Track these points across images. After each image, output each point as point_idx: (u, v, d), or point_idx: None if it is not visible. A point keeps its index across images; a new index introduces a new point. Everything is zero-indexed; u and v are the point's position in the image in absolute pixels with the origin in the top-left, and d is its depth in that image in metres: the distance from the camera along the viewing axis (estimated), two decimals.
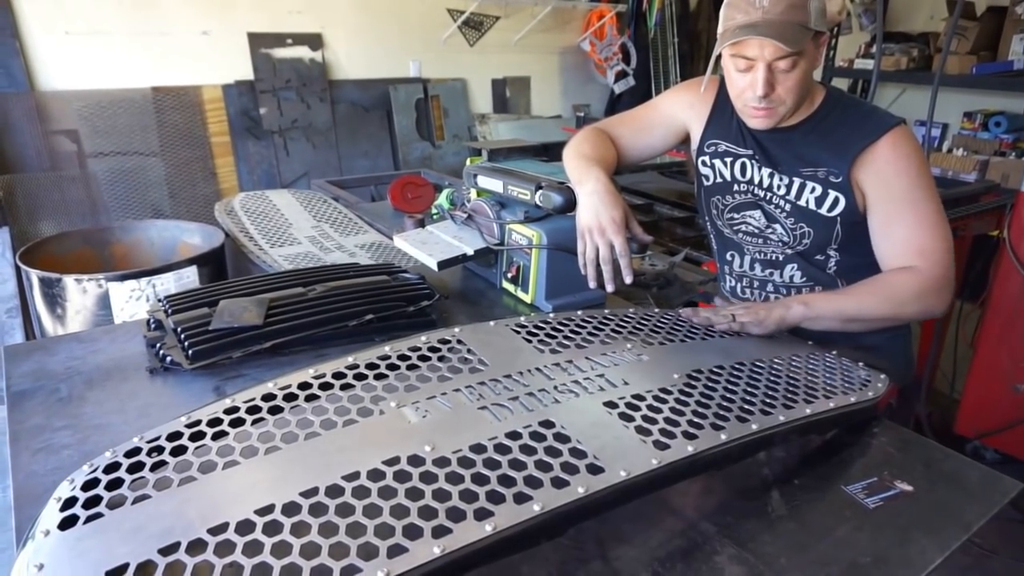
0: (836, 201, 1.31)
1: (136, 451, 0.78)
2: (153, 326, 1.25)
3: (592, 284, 1.27)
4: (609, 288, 1.24)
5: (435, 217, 2.42)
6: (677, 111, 1.46)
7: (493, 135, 4.96)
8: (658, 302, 1.77)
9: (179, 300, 1.28)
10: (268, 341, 1.16)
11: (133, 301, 1.92)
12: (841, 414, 0.95)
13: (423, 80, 4.60)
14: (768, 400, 0.93)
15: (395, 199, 2.56)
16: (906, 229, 1.26)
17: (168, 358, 1.13)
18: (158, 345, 1.17)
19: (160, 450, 0.78)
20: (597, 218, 1.22)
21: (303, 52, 4.00)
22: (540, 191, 1.36)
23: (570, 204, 1.33)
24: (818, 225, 1.34)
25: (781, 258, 1.40)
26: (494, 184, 1.50)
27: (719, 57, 1.26)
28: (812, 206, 1.33)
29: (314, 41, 4.04)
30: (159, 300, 1.31)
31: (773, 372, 1.03)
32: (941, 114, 4.51)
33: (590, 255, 1.24)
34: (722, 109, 1.40)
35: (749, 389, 0.96)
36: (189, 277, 2.00)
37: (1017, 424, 2.47)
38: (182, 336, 1.15)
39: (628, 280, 1.23)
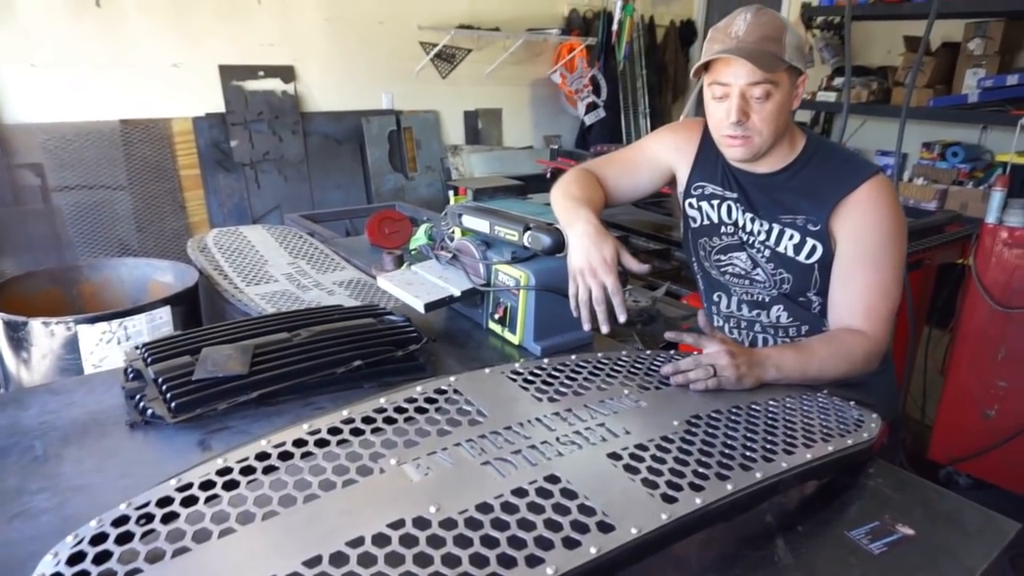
0: (814, 249, 1.33)
1: (124, 519, 0.74)
2: (131, 376, 1.21)
3: (587, 326, 1.26)
4: (604, 329, 1.24)
5: (413, 253, 2.40)
6: (663, 153, 1.48)
7: (466, 167, 4.98)
8: (643, 339, 1.77)
9: (158, 347, 1.24)
10: (255, 391, 1.13)
11: (103, 344, 1.86)
12: (840, 457, 0.96)
13: (396, 112, 4.61)
14: (769, 446, 0.93)
15: (372, 234, 2.53)
16: (862, 286, 1.28)
17: (149, 411, 1.08)
18: (138, 397, 1.12)
19: (150, 518, 0.74)
20: (588, 259, 1.22)
21: (275, 84, 3.98)
22: (528, 232, 1.36)
23: (559, 246, 1.33)
24: (796, 272, 1.36)
25: (767, 299, 1.41)
26: (480, 224, 1.49)
27: (701, 88, 1.30)
28: (791, 253, 1.35)
29: (286, 73, 4.03)
30: (136, 348, 1.26)
31: (770, 415, 1.02)
32: (902, 143, 4.68)
33: (583, 297, 1.24)
34: (707, 152, 1.42)
35: (749, 435, 0.95)
36: (162, 318, 1.95)
37: (989, 450, 2.52)
38: (163, 387, 1.11)
39: (622, 319, 1.22)
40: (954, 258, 2.88)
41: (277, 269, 2.27)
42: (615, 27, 5.35)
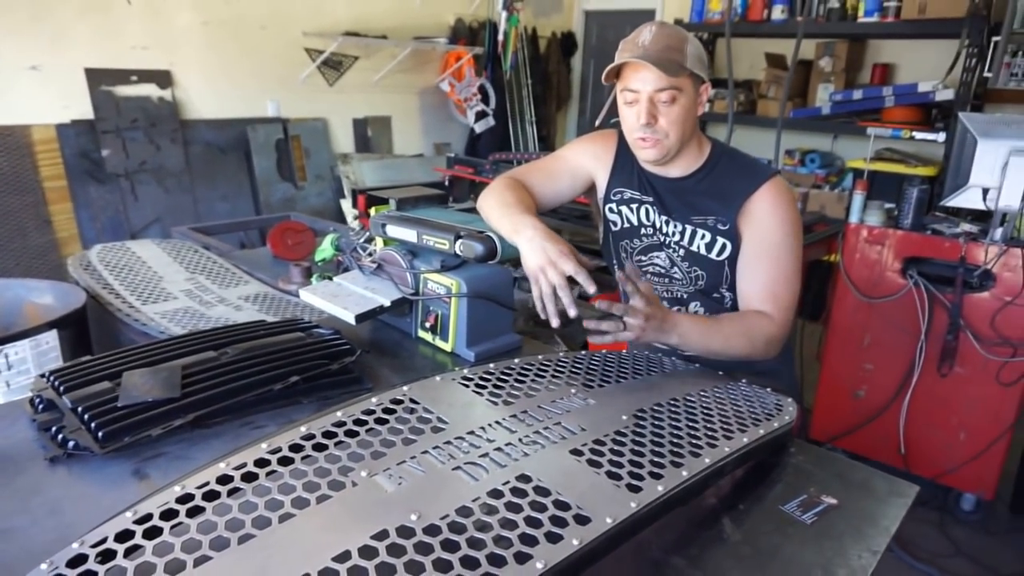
0: (724, 247, 1.44)
1: (80, 559, 0.69)
2: (41, 407, 1.11)
3: (555, 322, 1.24)
4: (572, 313, 1.23)
5: (320, 264, 2.35)
6: (583, 161, 1.54)
7: (357, 175, 4.90)
8: (565, 340, 1.84)
9: (69, 375, 1.15)
10: (190, 413, 1.07)
11: None
12: (770, 440, 1.05)
13: (282, 120, 4.46)
14: (710, 433, 1.00)
15: (275, 246, 2.45)
16: (766, 275, 1.40)
17: (71, 443, 1.00)
18: (54, 429, 1.04)
19: (110, 554, 0.70)
20: (545, 255, 1.22)
21: (150, 90, 3.74)
22: (460, 240, 1.38)
23: (491, 253, 1.36)
24: (709, 268, 1.46)
25: (685, 296, 1.51)
26: (407, 234, 1.49)
27: (615, 98, 1.40)
28: (703, 251, 1.45)
29: (162, 78, 3.79)
30: (43, 376, 1.16)
31: (704, 406, 1.10)
32: (767, 151, 5.10)
33: (547, 291, 1.23)
34: (623, 159, 1.51)
35: (690, 424, 1.02)
36: (49, 343, 1.78)
37: (861, 427, 2.80)
38: (86, 416, 1.03)
39: (592, 290, 1.22)
40: (822, 255, 3.18)
41: (174, 286, 2.15)
42: (500, 37, 5.46)
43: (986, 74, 3.48)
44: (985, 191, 2.46)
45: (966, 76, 3.74)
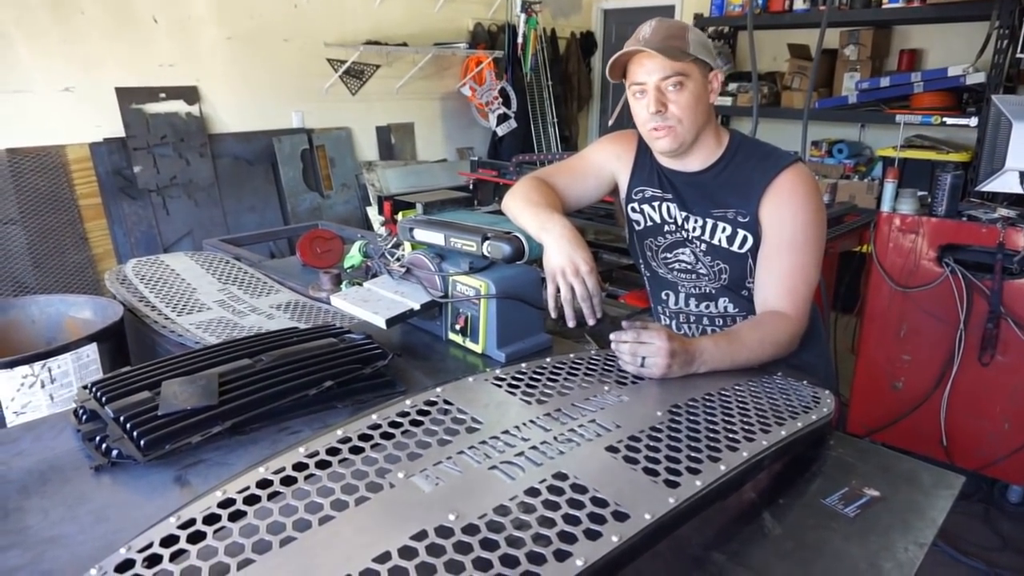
0: (745, 239, 1.41)
1: (128, 564, 0.71)
2: (85, 417, 1.14)
3: (571, 323, 1.29)
4: (591, 322, 1.27)
5: (349, 271, 2.37)
6: (606, 161, 1.54)
7: (382, 182, 4.94)
8: (594, 338, 1.83)
9: (110, 385, 1.17)
10: (228, 420, 1.09)
11: (26, 389, 1.72)
12: (808, 432, 1.03)
13: (307, 130, 4.51)
14: (746, 427, 0.99)
15: (304, 254, 2.48)
16: (785, 268, 1.37)
17: (115, 452, 1.03)
18: (99, 438, 1.06)
19: (156, 559, 0.71)
20: (570, 259, 1.26)
21: (178, 106, 3.81)
22: (487, 242, 1.38)
23: (519, 253, 1.36)
24: (731, 261, 1.44)
25: (713, 291, 1.49)
26: (434, 237, 1.50)
27: (627, 101, 1.40)
28: (724, 244, 1.44)
29: (189, 94, 3.86)
30: (85, 387, 1.19)
31: (739, 399, 1.09)
32: (793, 143, 5.03)
33: (566, 296, 1.27)
34: (643, 158, 1.50)
35: (726, 418, 1.01)
36: (89, 356, 1.83)
37: (900, 419, 2.74)
38: (128, 426, 1.05)
39: (599, 315, 1.29)
40: (853, 246, 3.12)
41: (208, 296, 2.18)
42: (520, 40, 5.46)
43: (1019, 55, 3.39)
44: (1022, 175, 2.39)
45: (998, 58, 3.66)
